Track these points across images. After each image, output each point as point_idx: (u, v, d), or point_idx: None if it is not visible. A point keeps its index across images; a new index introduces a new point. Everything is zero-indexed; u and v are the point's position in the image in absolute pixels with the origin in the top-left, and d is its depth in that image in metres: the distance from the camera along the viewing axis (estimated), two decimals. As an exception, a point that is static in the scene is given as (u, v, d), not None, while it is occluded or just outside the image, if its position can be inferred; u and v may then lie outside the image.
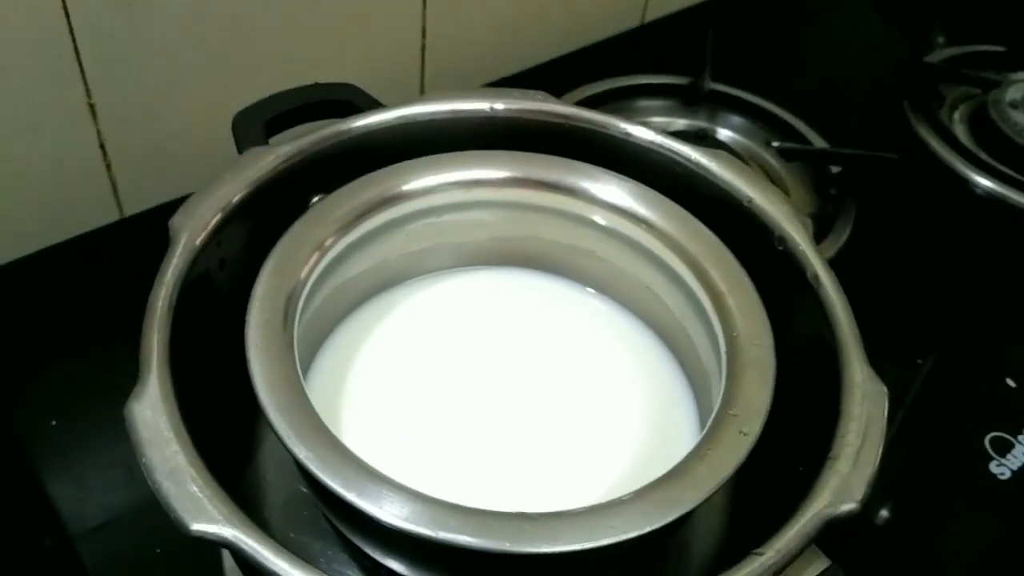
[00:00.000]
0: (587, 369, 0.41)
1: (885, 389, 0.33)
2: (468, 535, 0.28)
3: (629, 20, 0.79)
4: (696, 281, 0.38)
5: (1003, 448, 0.50)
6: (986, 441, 0.50)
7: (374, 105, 0.42)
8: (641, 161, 0.41)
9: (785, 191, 0.63)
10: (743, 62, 0.75)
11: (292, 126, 0.43)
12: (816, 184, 0.64)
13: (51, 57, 0.52)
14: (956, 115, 0.70)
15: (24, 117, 0.53)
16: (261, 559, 0.27)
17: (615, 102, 0.67)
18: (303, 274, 0.35)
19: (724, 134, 0.68)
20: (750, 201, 0.39)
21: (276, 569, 0.27)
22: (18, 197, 0.56)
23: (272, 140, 0.40)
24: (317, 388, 0.38)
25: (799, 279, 0.37)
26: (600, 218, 0.41)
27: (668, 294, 0.40)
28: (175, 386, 0.31)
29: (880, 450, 0.31)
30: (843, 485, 0.30)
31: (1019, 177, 0.62)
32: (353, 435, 0.36)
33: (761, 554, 0.28)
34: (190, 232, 0.34)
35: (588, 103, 0.65)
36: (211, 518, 0.27)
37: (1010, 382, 0.54)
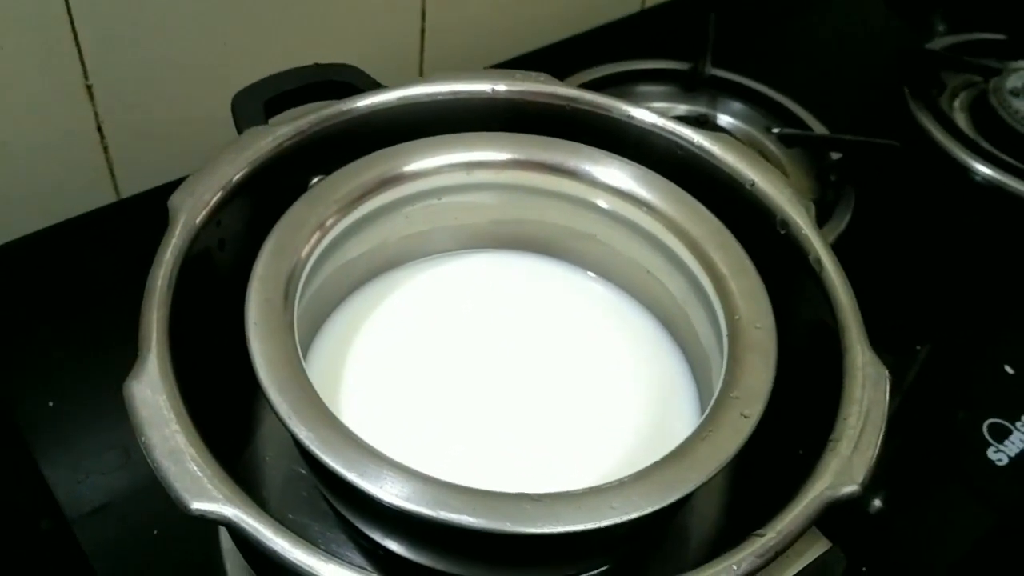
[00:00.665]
0: (587, 352, 0.41)
1: (887, 372, 0.33)
2: (469, 515, 0.28)
3: (630, 5, 0.79)
4: (698, 264, 0.38)
5: (1001, 434, 0.50)
6: (984, 427, 0.50)
7: (374, 86, 0.42)
8: (643, 144, 0.41)
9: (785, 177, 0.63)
10: (744, 48, 0.75)
11: (292, 107, 0.42)
12: (816, 171, 0.64)
13: (49, 39, 0.51)
14: (957, 103, 0.70)
15: (21, 99, 0.53)
16: (261, 538, 0.27)
17: (615, 87, 0.67)
18: (304, 253, 0.35)
19: (724, 120, 0.67)
20: (752, 184, 0.39)
21: (276, 547, 0.26)
22: (15, 178, 0.55)
23: (271, 121, 0.40)
24: (316, 369, 0.38)
25: (801, 263, 0.37)
26: (601, 201, 0.40)
27: (669, 278, 0.40)
28: (174, 366, 0.31)
29: (881, 433, 0.31)
30: (844, 468, 0.30)
31: (1019, 165, 0.62)
32: (352, 416, 0.36)
33: (762, 535, 0.28)
34: (190, 211, 0.34)
35: (588, 88, 0.65)
36: (211, 497, 0.27)
37: (1008, 369, 0.54)
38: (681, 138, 0.41)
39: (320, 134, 0.39)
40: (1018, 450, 0.50)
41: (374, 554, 0.35)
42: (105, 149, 0.58)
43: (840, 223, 0.59)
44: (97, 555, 0.42)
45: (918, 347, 0.54)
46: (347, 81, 0.43)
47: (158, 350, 0.30)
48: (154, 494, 0.43)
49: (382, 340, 0.40)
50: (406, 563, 0.34)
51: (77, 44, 0.52)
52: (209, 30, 0.57)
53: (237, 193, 0.36)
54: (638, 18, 0.79)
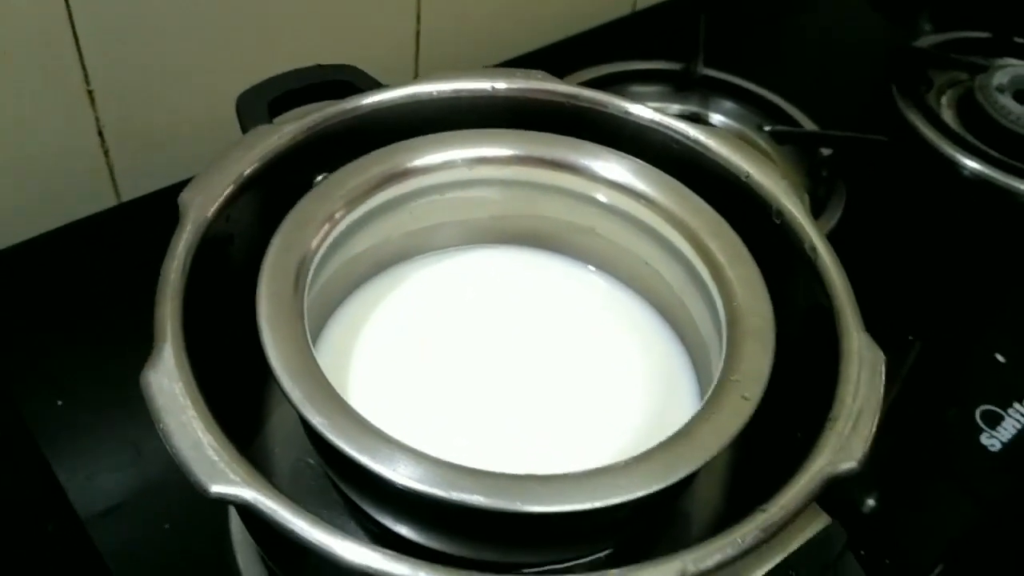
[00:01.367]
0: (588, 343, 0.41)
1: (882, 355, 0.34)
2: (480, 495, 0.28)
3: (621, 7, 0.80)
4: (695, 254, 0.39)
5: (993, 421, 0.51)
6: (977, 414, 0.52)
7: (375, 86, 0.43)
8: (640, 139, 0.42)
9: (777, 174, 0.63)
10: (735, 48, 0.76)
11: (295, 107, 0.43)
12: (808, 167, 0.65)
13: (50, 44, 0.52)
14: (944, 99, 0.71)
15: (23, 104, 0.53)
16: (280, 519, 0.27)
17: (609, 88, 0.67)
18: (313, 244, 0.35)
19: (717, 119, 0.68)
20: (748, 176, 0.40)
21: (295, 528, 0.27)
22: (17, 183, 0.56)
23: (276, 120, 0.41)
24: (324, 361, 0.38)
25: (797, 251, 0.38)
26: (601, 195, 0.41)
27: (667, 269, 0.41)
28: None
29: (878, 412, 0.32)
30: (843, 445, 0.31)
31: (1006, 159, 0.64)
32: (361, 406, 0.37)
33: (765, 510, 0.29)
34: (199, 206, 0.35)
35: (583, 88, 0.66)
36: (229, 480, 0.28)
37: (999, 357, 0.55)
38: (677, 133, 0.42)
39: (325, 132, 0.40)
40: (1010, 436, 0.51)
41: (383, 541, 0.36)
42: (106, 153, 0.58)
43: (832, 218, 0.60)
44: (110, 551, 0.43)
45: (910, 337, 0.55)
46: (349, 81, 0.43)
47: (173, 340, 0.31)
48: (165, 488, 0.44)
49: (388, 332, 0.40)
50: (415, 550, 0.34)
51: (79, 50, 0.53)
52: (208, 36, 0.57)
53: (245, 189, 0.37)
54: (630, 20, 0.80)
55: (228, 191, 0.36)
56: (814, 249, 0.37)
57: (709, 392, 0.33)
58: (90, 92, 0.55)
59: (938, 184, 0.65)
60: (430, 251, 0.44)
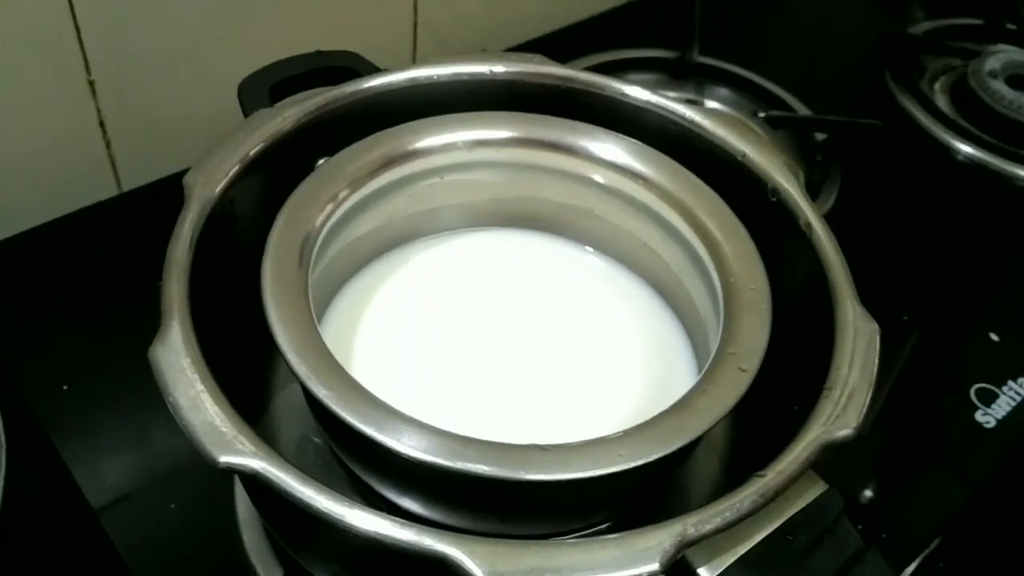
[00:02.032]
0: (587, 323, 0.42)
1: (877, 326, 0.34)
2: (483, 464, 0.29)
3: (616, -4, 0.81)
4: (692, 232, 0.39)
5: (988, 398, 0.52)
6: (972, 392, 0.52)
7: (375, 72, 0.43)
8: (637, 121, 0.43)
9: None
10: (729, 35, 0.77)
11: (296, 92, 0.43)
12: (802, 152, 0.65)
13: (52, 34, 0.52)
14: (937, 85, 0.71)
15: (25, 95, 0.54)
16: (288, 487, 0.28)
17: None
18: (317, 223, 0.36)
19: (712, 105, 0.69)
20: (744, 155, 0.41)
21: (303, 496, 0.27)
22: (19, 173, 0.56)
23: (277, 104, 0.41)
24: (329, 339, 0.39)
25: (792, 227, 0.38)
26: (599, 176, 0.42)
27: (665, 248, 0.42)
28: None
29: (873, 381, 0.32)
30: (839, 413, 0.31)
31: (999, 143, 0.64)
32: (365, 382, 0.37)
33: (763, 476, 0.29)
34: (204, 187, 0.35)
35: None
36: (237, 451, 0.28)
37: (993, 336, 0.56)
38: (674, 114, 0.42)
39: (326, 115, 0.40)
40: (1005, 412, 0.52)
41: (388, 516, 0.36)
42: (107, 144, 0.59)
43: (827, 202, 0.61)
44: (117, 535, 0.43)
45: (905, 318, 0.56)
46: (349, 67, 0.44)
47: (180, 317, 0.31)
48: (171, 471, 0.45)
49: (390, 312, 0.41)
50: (419, 522, 0.35)
51: (80, 40, 0.54)
52: (208, 27, 0.58)
53: (249, 170, 0.37)
54: (625, 9, 0.80)
55: (232, 172, 0.36)
56: (809, 225, 0.38)
57: (707, 365, 0.34)
58: (91, 82, 0.56)
59: (932, 169, 0.66)
60: (431, 234, 0.44)
